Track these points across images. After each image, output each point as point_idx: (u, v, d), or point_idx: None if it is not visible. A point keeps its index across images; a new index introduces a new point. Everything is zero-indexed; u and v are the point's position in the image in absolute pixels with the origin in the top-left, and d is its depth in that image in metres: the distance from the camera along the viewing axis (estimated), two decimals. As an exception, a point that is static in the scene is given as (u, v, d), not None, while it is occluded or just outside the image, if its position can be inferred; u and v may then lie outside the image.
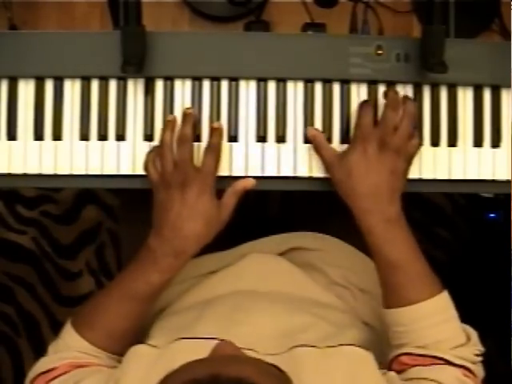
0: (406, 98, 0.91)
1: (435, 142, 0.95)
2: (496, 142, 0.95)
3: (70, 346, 0.89)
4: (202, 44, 0.92)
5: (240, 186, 0.90)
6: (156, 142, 0.93)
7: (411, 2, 1.02)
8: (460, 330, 0.87)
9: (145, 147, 0.93)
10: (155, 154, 0.90)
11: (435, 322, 0.85)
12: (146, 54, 0.90)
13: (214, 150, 0.89)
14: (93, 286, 1.73)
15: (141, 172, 0.93)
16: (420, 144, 0.92)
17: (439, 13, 0.86)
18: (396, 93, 0.90)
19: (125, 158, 0.93)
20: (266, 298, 0.96)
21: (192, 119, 0.90)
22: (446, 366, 0.82)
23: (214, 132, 0.90)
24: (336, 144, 0.94)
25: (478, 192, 1.06)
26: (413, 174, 0.94)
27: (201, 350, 0.69)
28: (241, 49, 0.92)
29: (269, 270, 1.01)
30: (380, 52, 0.93)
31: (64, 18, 1.01)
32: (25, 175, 0.93)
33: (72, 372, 0.85)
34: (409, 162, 0.90)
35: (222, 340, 0.73)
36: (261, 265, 1.02)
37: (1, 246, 1.74)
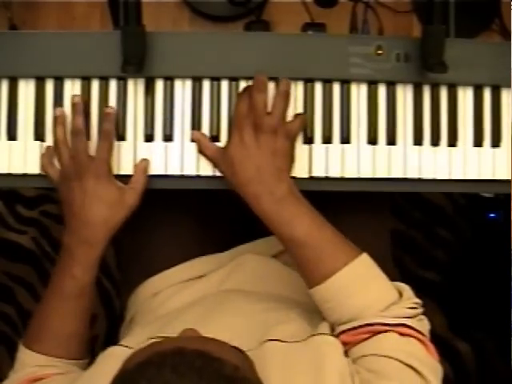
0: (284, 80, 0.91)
1: (435, 142, 0.95)
2: (496, 142, 0.95)
3: (25, 364, 0.90)
4: (202, 44, 0.92)
5: (142, 164, 0.91)
6: (156, 142, 0.93)
7: (411, 1, 1.02)
8: (389, 289, 0.85)
9: (145, 147, 0.93)
10: (50, 154, 0.92)
11: (357, 288, 0.83)
12: (146, 54, 0.90)
13: (106, 136, 0.90)
14: (93, 286, 1.73)
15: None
16: (304, 121, 0.91)
17: (439, 13, 0.86)
18: (262, 75, 0.90)
19: (125, 158, 0.93)
20: (249, 298, 0.96)
21: (80, 110, 0.91)
22: (380, 336, 0.80)
23: (106, 117, 0.91)
24: (336, 144, 0.94)
25: (478, 192, 1.06)
26: (413, 173, 0.94)
27: None
28: (241, 49, 0.92)
29: (258, 271, 1.01)
30: (380, 52, 0.93)
31: (64, 18, 1.00)
32: (25, 175, 0.93)
33: None
34: (291, 139, 0.90)
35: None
36: (251, 266, 1.02)
37: (1, 246, 1.73)
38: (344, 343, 0.81)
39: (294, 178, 0.93)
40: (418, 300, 0.84)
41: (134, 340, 0.86)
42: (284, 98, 0.90)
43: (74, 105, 0.91)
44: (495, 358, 1.59)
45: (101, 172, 0.89)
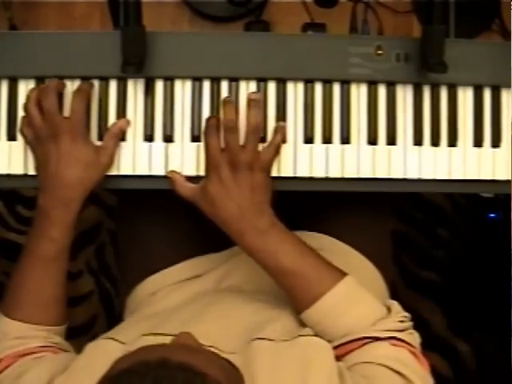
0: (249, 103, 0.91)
1: (435, 142, 0.95)
2: (496, 142, 0.95)
3: (6, 333, 0.90)
4: (202, 44, 0.92)
5: (115, 128, 0.91)
6: (155, 142, 0.93)
7: (411, 1, 1.03)
8: (376, 305, 0.86)
9: (145, 147, 0.93)
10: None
11: (344, 308, 0.85)
12: (145, 54, 0.90)
13: (81, 94, 0.90)
14: (93, 286, 1.73)
15: (141, 172, 0.93)
16: (278, 150, 0.91)
17: (439, 13, 0.86)
18: (229, 115, 0.90)
19: (125, 158, 0.93)
20: (244, 297, 0.96)
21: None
22: (372, 344, 0.81)
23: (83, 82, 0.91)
24: (336, 144, 0.94)
25: (478, 192, 1.06)
26: (412, 174, 0.94)
27: None
28: (241, 49, 0.92)
29: (254, 270, 1.01)
30: (380, 52, 0.93)
31: (64, 18, 1.01)
32: (25, 175, 0.93)
33: (16, 363, 0.86)
34: (266, 170, 0.90)
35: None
36: (246, 266, 1.02)
37: (1, 246, 1.73)
38: (336, 358, 0.82)
39: (295, 177, 0.93)
40: (406, 314, 0.86)
41: (127, 335, 0.86)
42: (256, 132, 0.89)
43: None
44: (495, 358, 1.59)
45: (76, 132, 0.89)
